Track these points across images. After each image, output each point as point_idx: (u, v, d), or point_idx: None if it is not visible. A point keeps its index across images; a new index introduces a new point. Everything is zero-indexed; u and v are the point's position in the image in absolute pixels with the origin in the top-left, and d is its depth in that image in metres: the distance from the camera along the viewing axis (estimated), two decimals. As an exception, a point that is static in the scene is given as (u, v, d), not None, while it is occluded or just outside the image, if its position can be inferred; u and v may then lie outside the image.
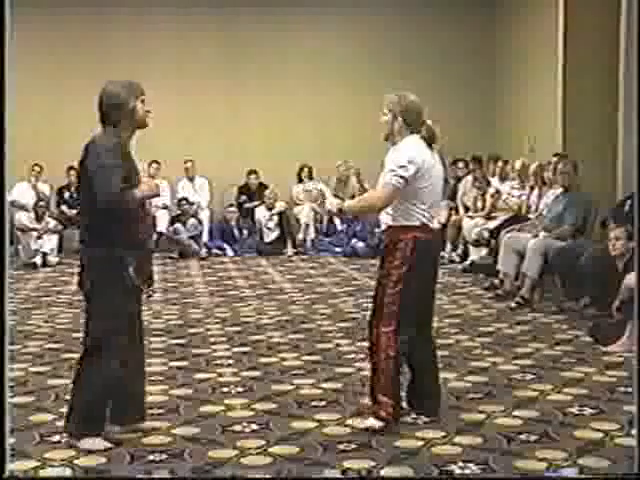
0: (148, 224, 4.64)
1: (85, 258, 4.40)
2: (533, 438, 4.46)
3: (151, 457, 4.21)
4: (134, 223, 4.36)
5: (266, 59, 14.03)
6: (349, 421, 4.76)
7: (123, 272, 4.30)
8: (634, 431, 4.48)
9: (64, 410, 4.92)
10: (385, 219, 4.80)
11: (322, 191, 13.25)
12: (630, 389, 5.32)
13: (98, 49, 13.66)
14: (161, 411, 4.95)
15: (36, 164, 12.81)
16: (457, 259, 11.45)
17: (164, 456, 4.22)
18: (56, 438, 4.48)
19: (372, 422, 4.57)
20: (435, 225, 4.79)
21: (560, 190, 8.81)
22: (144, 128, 4.49)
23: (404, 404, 4.80)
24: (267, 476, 4.00)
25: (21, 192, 12.80)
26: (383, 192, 4.60)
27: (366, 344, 4.89)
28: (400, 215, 4.64)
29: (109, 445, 4.32)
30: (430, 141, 4.75)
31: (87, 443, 4.31)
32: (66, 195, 13.30)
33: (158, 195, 4.56)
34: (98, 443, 4.32)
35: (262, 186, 13.56)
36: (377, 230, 12.12)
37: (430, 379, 4.89)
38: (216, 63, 13.94)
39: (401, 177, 4.53)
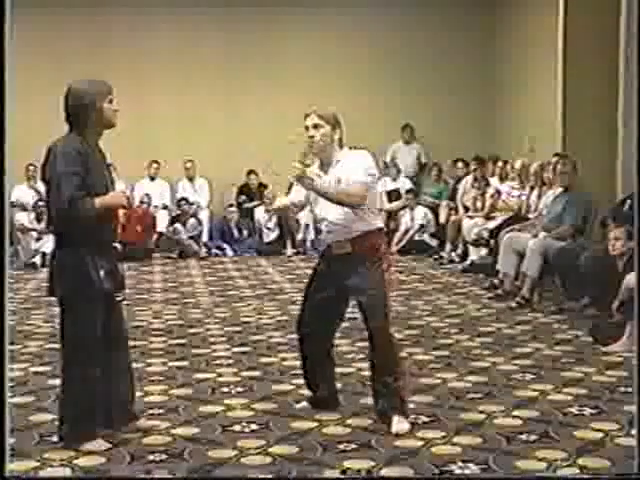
0: (114, 228, 4.56)
1: (54, 264, 4.36)
2: (533, 438, 4.46)
3: (151, 457, 4.21)
4: (99, 227, 4.30)
5: (266, 59, 14.03)
6: (349, 421, 4.76)
7: (93, 277, 4.25)
8: (634, 431, 4.48)
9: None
10: (346, 232, 4.72)
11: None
12: (630, 389, 5.32)
13: (98, 49, 13.66)
14: (161, 411, 4.95)
15: (30, 164, 12.78)
16: (457, 259, 11.45)
17: (164, 456, 4.22)
18: (56, 438, 4.47)
19: (403, 424, 4.61)
20: None
21: (560, 190, 8.81)
22: (111, 128, 4.44)
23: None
24: (267, 476, 4.00)
25: (20, 193, 12.81)
26: (358, 189, 4.61)
27: (367, 344, 4.89)
28: (370, 219, 4.72)
29: (109, 445, 4.32)
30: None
31: (87, 444, 4.31)
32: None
33: (124, 207, 4.47)
34: (98, 444, 4.31)
35: (262, 186, 13.54)
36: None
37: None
38: (216, 63, 13.94)
39: (370, 175, 4.64)
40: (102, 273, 4.28)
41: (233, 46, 13.97)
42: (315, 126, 4.82)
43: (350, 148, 4.84)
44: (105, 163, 4.51)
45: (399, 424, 4.56)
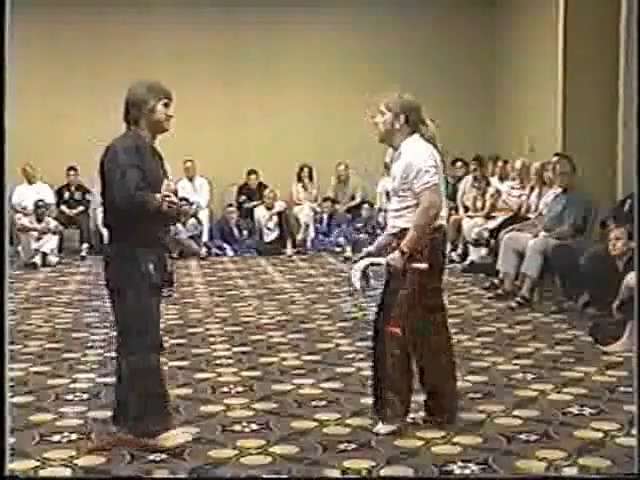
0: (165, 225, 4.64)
1: (108, 256, 4.42)
2: (533, 438, 4.46)
3: (151, 457, 4.20)
4: (152, 222, 4.35)
5: (266, 59, 14.02)
6: (349, 421, 4.76)
7: (142, 270, 4.31)
8: (634, 431, 4.48)
9: (64, 410, 4.96)
10: (395, 222, 4.61)
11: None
12: (630, 389, 5.32)
13: (98, 49, 13.67)
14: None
15: (27, 164, 12.78)
16: (457, 259, 11.44)
17: (164, 456, 4.21)
18: (56, 438, 4.48)
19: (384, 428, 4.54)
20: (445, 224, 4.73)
21: (560, 190, 8.81)
22: (163, 132, 4.45)
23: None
24: (267, 476, 4.00)
25: (21, 193, 12.81)
26: (430, 195, 4.45)
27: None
28: (411, 216, 4.53)
29: (189, 438, 4.35)
30: (433, 141, 4.67)
31: (166, 438, 4.30)
32: (66, 195, 13.30)
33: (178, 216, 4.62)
34: (180, 435, 4.33)
35: (262, 186, 13.57)
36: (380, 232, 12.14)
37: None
38: (216, 63, 13.93)
39: (432, 176, 4.47)
40: (151, 267, 4.33)
41: (233, 46, 13.96)
42: (380, 112, 4.69)
43: (422, 135, 4.64)
44: (161, 164, 4.52)
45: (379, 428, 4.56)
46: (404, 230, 4.55)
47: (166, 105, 4.41)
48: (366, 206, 13.09)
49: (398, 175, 4.56)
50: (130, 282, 4.30)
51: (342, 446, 4.36)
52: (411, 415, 4.73)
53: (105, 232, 4.44)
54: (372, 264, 4.67)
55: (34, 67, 12.99)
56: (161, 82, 4.50)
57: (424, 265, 4.49)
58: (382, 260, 4.62)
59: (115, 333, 4.51)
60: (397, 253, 4.50)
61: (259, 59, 13.98)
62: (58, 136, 13.22)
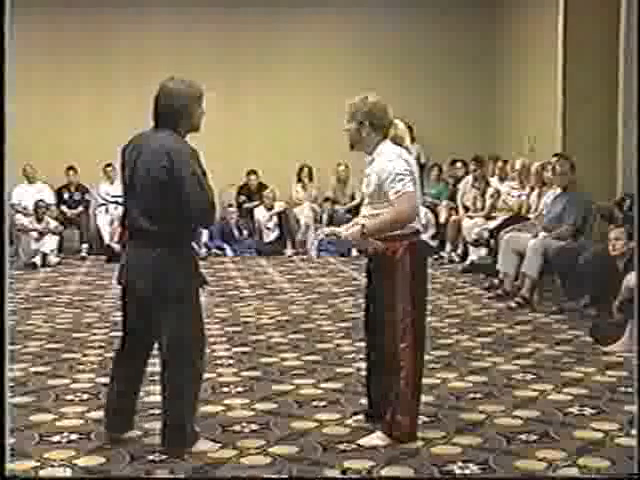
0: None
1: (160, 264, 4.19)
2: (533, 438, 4.46)
3: (151, 457, 4.20)
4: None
5: (266, 59, 14.03)
6: (349, 421, 4.76)
7: (202, 275, 4.37)
8: (634, 431, 4.48)
9: (64, 410, 4.96)
10: None
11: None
12: (630, 389, 5.33)
13: (98, 49, 13.67)
14: (161, 411, 4.94)
15: (27, 164, 12.78)
16: (457, 259, 11.46)
17: (164, 456, 4.21)
18: (56, 438, 4.48)
19: (378, 440, 4.40)
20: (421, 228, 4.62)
21: (559, 190, 8.82)
22: (196, 132, 4.38)
23: None
24: (268, 476, 4.00)
25: (21, 193, 12.82)
26: (402, 204, 4.28)
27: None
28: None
29: (218, 445, 4.35)
30: (400, 142, 4.50)
31: (199, 445, 4.31)
32: (65, 195, 13.30)
33: None
34: (210, 444, 4.35)
35: (262, 186, 13.56)
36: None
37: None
38: (216, 63, 13.92)
39: (409, 182, 4.29)
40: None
41: (233, 46, 13.97)
42: (347, 119, 4.58)
43: (392, 138, 4.48)
44: None
45: (372, 438, 4.44)
46: (385, 238, 4.40)
47: (200, 105, 4.35)
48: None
49: (372, 182, 4.42)
50: (193, 288, 4.29)
51: (342, 446, 4.35)
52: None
53: (142, 237, 4.24)
54: (331, 234, 4.60)
55: (33, 67, 13.00)
56: (194, 81, 4.38)
57: (379, 243, 4.35)
58: (341, 231, 4.54)
59: (161, 344, 4.31)
60: (357, 228, 4.40)
61: (259, 59, 13.98)
62: (58, 136, 13.24)
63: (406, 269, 4.34)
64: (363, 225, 4.37)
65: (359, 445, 4.38)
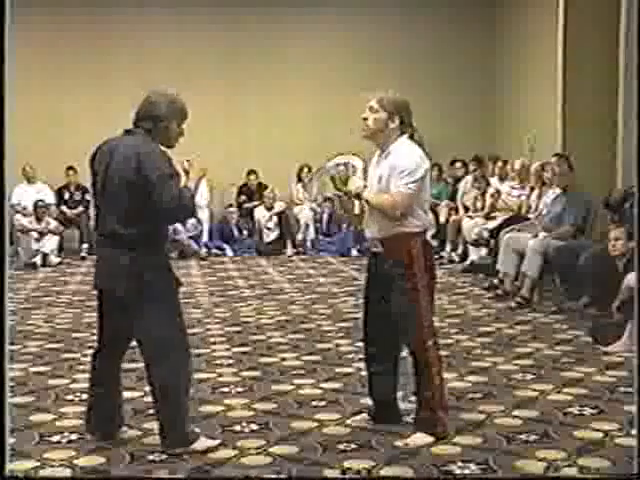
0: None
1: (133, 267, 4.19)
2: (533, 438, 4.46)
3: (151, 457, 4.20)
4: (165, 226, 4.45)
5: (266, 59, 14.03)
6: (349, 421, 4.75)
7: (173, 275, 4.37)
8: (634, 431, 4.48)
9: (64, 410, 4.96)
10: (378, 229, 4.49)
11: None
12: (630, 389, 5.33)
13: (98, 49, 13.68)
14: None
15: (27, 164, 12.78)
16: (457, 259, 11.46)
17: (164, 456, 4.21)
18: (56, 438, 4.48)
19: (423, 439, 4.40)
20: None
21: (559, 190, 8.82)
22: (170, 148, 4.38)
23: None
24: (268, 476, 4.00)
25: (21, 194, 12.82)
26: (400, 199, 4.35)
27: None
28: (406, 221, 4.41)
29: (216, 443, 4.34)
30: (422, 145, 4.55)
31: (199, 444, 4.30)
32: (66, 195, 13.31)
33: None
34: (209, 441, 4.33)
35: (262, 186, 13.57)
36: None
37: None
38: (216, 63, 13.94)
39: (414, 182, 4.34)
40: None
41: (233, 46, 13.97)
42: (371, 109, 4.57)
43: (412, 137, 4.53)
44: None
45: (416, 438, 4.42)
46: (386, 238, 4.47)
47: (180, 124, 4.35)
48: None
49: (385, 175, 4.46)
50: (168, 291, 4.28)
51: (342, 446, 4.35)
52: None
53: (116, 241, 4.22)
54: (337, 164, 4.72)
55: (33, 67, 13.00)
56: (180, 97, 4.38)
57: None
58: (346, 159, 4.68)
59: (142, 346, 4.31)
60: (360, 185, 4.55)
61: (259, 59, 14.00)
62: (58, 136, 13.23)
63: (421, 264, 4.40)
64: (361, 191, 4.53)
65: (403, 445, 4.35)
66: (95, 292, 4.49)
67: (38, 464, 4.13)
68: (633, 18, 8.90)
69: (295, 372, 5.85)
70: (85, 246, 12.70)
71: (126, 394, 5.19)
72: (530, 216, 9.67)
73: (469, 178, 12.06)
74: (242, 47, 13.97)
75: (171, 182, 4.15)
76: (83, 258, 12.39)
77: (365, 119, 4.57)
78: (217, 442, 4.36)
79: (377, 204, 4.46)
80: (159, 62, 13.67)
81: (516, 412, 4.92)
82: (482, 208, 11.13)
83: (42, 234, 12.02)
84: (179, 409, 4.31)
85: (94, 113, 13.40)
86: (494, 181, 11.44)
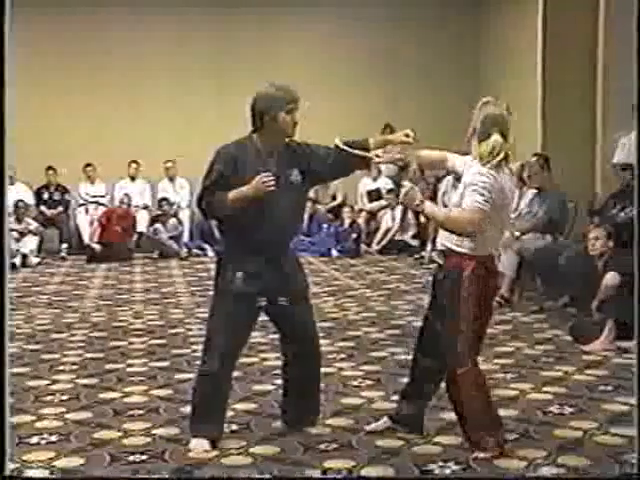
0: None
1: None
2: (513, 437, 4.46)
3: (131, 458, 4.18)
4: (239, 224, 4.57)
5: (260, 59, 13.96)
6: (329, 421, 4.75)
7: (229, 277, 4.82)
8: (613, 429, 4.51)
9: (44, 411, 4.93)
10: (447, 240, 4.24)
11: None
12: (609, 387, 5.36)
13: (97, 49, 13.63)
14: (141, 412, 4.93)
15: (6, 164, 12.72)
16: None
17: (144, 457, 4.19)
18: (35, 440, 4.45)
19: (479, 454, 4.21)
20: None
21: (534, 191, 8.85)
22: (289, 137, 4.35)
23: None
24: (251, 476, 3.99)
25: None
26: (474, 214, 4.08)
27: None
28: (461, 240, 4.17)
29: (208, 448, 4.30)
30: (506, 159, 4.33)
31: (193, 443, 4.32)
32: (45, 195, 13.23)
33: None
34: (202, 444, 4.31)
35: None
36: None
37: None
38: (210, 63, 13.95)
39: (486, 201, 4.07)
40: (239, 274, 4.63)
41: (227, 46, 13.95)
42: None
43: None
44: (285, 168, 4.36)
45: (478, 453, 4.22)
46: (453, 251, 4.19)
47: (290, 111, 4.25)
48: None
49: (460, 191, 4.27)
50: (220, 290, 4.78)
51: (323, 446, 4.35)
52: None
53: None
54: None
55: (34, 67, 12.89)
56: (288, 86, 4.31)
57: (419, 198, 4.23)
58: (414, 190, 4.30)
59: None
60: (420, 197, 4.25)
61: (253, 59, 13.91)
62: (37, 136, 13.14)
63: (467, 287, 4.15)
64: (422, 201, 4.23)
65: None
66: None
67: (17, 465, 4.09)
68: (611, 17, 8.97)
69: (276, 372, 5.83)
70: (65, 246, 12.63)
71: (104, 395, 5.20)
72: (511, 216, 9.68)
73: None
74: (236, 47, 13.93)
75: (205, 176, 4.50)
76: (63, 258, 12.32)
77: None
78: (207, 445, 4.33)
79: (438, 215, 4.33)
80: (157, 62, 13.74)
81: (496, 411, 4.93)
82: (463, 208, 11.13)
83: (22, 234, 11.95)
84: (194, 405, 4.46)
85: (93, 113, 13.26)
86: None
